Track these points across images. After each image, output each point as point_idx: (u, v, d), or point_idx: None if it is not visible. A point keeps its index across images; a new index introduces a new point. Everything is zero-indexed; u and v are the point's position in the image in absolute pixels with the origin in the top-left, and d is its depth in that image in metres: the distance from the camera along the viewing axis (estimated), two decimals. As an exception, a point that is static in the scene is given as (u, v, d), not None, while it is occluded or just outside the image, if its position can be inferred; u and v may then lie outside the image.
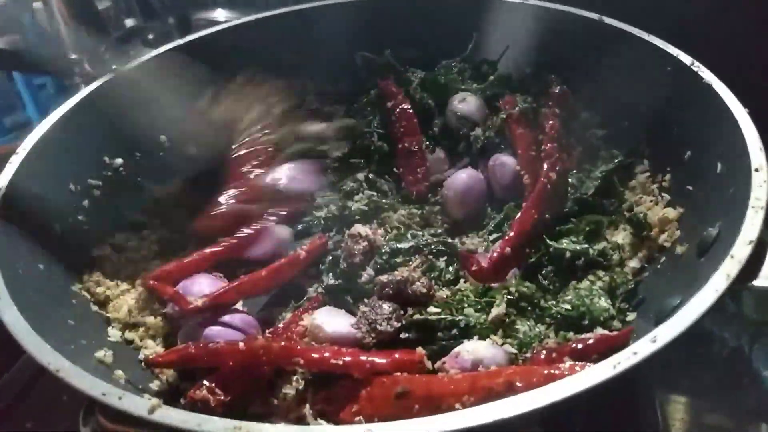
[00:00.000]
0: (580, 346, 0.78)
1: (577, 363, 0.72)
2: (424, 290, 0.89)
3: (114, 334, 0.93)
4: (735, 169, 0.83)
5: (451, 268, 1.00)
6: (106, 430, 0.66)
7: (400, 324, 0.85)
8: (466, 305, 0.89)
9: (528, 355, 0.83)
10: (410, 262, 0.98)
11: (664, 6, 1.22)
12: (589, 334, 0.84)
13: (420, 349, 0.82)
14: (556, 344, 0.84)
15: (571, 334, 0.86)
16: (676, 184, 1.01)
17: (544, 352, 0.81)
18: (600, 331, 0.85)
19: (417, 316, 0.86)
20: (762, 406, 0.94)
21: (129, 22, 2.30)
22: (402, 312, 0.87)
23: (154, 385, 0.86)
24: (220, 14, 2.03)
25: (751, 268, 0.69)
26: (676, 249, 0.91)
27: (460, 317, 0.86)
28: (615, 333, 0.83)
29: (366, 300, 0.90)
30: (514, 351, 0.82)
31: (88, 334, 0.85)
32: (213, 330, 0.91)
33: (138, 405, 0.61)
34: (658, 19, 1.10)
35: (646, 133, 1.11)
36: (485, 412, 0.57)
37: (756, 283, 0.70)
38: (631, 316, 0.89)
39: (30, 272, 0.86)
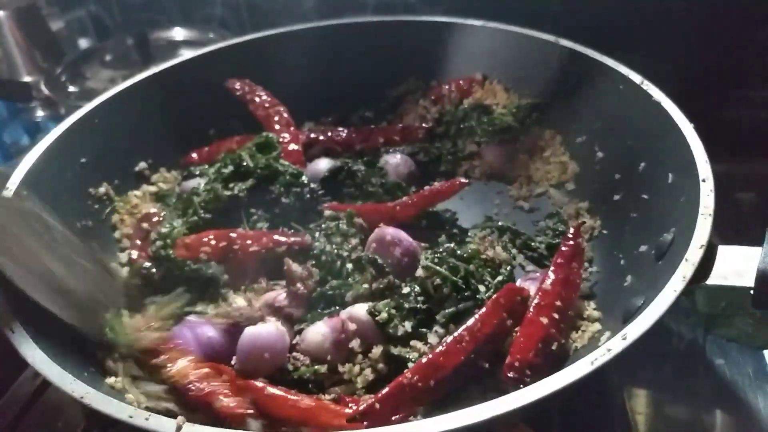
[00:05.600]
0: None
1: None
2: None
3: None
4: (685, 179, 0.91)
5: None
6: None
7: None
8: None
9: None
10: None
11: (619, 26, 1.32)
12: None
13: None
14: None
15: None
16: (631, 193, 1.08)
17: None
18: None
19: None
20: (716, 392, 1.02)
21: (83, 43, 2.27)
22: None
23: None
24: (178, 33, 2.04)
25: (703, 268, 0.78)
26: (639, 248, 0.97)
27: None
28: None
29: None
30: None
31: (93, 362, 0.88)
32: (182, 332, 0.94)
33: (164, 424, 0.65)
34: (615, 39, 1.18)
35: (601, 147, 1.19)
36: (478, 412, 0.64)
37: (708, 282, 0.79)
38: (596, 314, 0.96)
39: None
